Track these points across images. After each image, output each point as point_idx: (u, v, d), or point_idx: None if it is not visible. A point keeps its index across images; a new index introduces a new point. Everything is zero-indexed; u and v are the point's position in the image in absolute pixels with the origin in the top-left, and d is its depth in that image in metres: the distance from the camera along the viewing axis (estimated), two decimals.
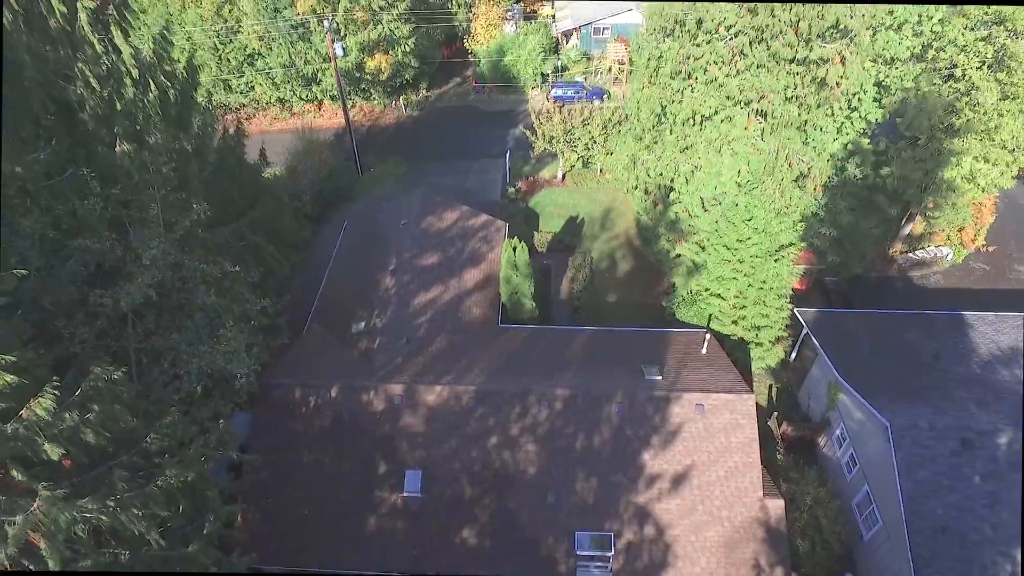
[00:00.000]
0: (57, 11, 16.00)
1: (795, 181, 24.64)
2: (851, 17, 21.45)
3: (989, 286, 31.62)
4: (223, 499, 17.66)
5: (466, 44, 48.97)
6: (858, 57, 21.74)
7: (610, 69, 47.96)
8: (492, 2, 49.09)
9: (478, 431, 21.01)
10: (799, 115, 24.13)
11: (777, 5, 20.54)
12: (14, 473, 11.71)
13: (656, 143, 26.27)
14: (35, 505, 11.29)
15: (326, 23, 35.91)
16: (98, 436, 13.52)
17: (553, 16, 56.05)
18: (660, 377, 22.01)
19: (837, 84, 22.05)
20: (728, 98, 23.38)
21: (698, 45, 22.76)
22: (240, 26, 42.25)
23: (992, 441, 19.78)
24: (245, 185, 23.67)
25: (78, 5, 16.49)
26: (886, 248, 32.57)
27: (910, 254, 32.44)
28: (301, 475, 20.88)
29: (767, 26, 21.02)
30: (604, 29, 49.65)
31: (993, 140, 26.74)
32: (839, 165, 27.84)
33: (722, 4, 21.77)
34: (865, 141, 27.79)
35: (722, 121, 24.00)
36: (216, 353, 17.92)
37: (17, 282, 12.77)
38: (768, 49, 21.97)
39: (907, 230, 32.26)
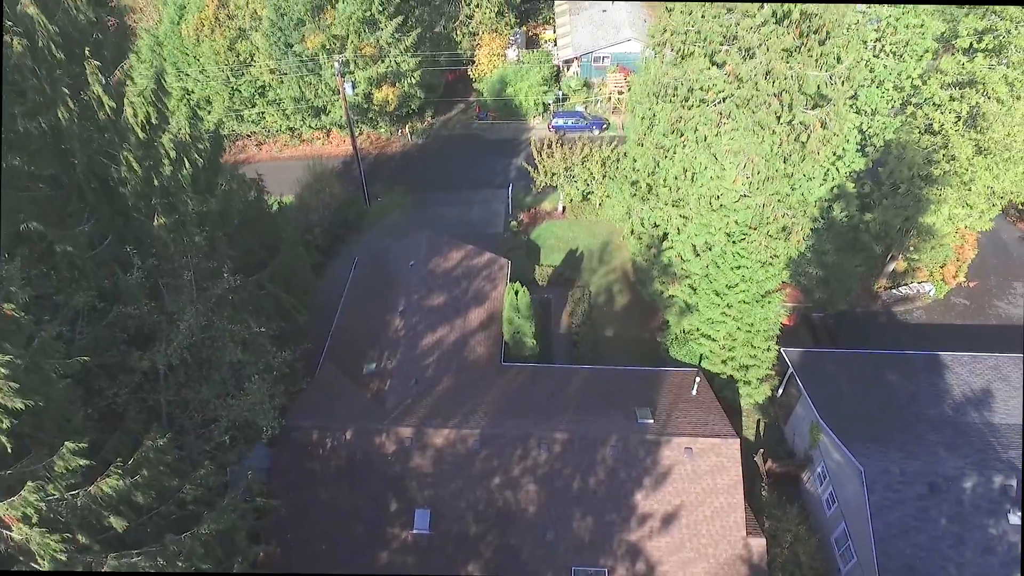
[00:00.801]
0: (106, 105, 17.52)
1: (781, 231, 26.16)
2: (830, 85, 22.97)
3: (970, 321, 33.16)
4: (249, 540, 19.32)
5: (470, 72, 50.47)
6: (837, 124, 23.27)
7: (609, 98, 49.48)
8: (495, 33, 50.59)
9: (482, 472, 22.63)
10: (785, 169, 25.70)
11: (761, 78, 22.06)
12: (80, 537, 13.34)
13: (651, 194, 27.83)
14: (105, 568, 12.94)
15: (337, 65, 37.41)
16: (146, 496, 15.18)
17: (555, 41, 57.61)
18: (652, 420, 23.61)
19: (818, 151, 23.56)
20: (716, 157, 24.92)
21: (688, 108, 24.31)
22: (253, 60, 43.84)
23: (958, 485, 21.38)
24: (266, 235, 25.23)
25: (125, 100, 18.05)
26: (871, 284, 34.12)
27: (894, 290, 33.99)
28: (317, 512, 22.52)
29: (752, 97, 22.54)
30: (604, 58, 51.14)
31: (970, 189, 28.28)
32: (825, 206, 29.47)
33: (712, 72, 23.27)
34: (850, 185, 29.40)
35: (711, 177, 25.54)
36: (243, 405, 19.56)
37: (80, 366, 14.38)
38: (754, 114, 23.50)
39: (891, 267, 33.81)
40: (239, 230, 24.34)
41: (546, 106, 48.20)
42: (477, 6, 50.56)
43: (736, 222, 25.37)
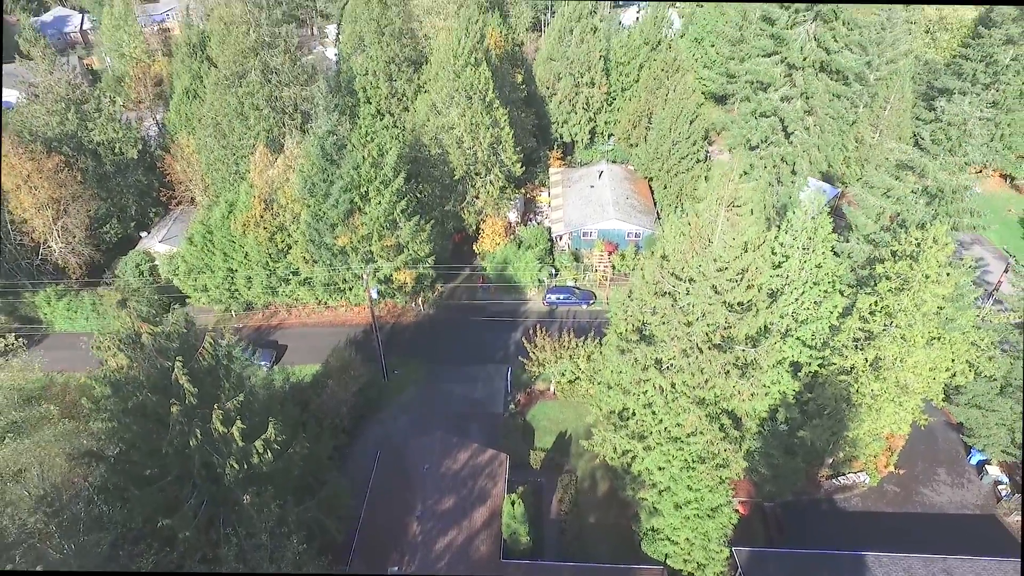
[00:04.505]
0: (221, 431, 24.12)
1: (723, 465, 32.38)
2: (756, 348, 29.81)
3: (899, 509, 38.93)
4: None
5: (475, 248, 58.12)
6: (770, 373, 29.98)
7: (596, 269, 56.91)
8: (497, 212, 58.59)
9: None
10: (728, 407, 32.22)
11: (706, 374, 28.86)
12: None
13: (624, 423, 34.29)
14: None
15: (364, 277, 44.71)
16: None
17: (549, 203, 65.86)
18: None
19: (751, 398, 30.16)
20: (673, 402, 31.47)
21: (645, 369, 31.12)
22: (289, 249, 51.44)
23: None
24: (319, 472, 31.48)
25: (228, 405, 24.66)
26: (815, 473, 40.08)
27: (834, 480, 39.91)
28: None
29: (702, 369, 29.35)
30: (590, 233, 58.94)
31: (881, 413, 34.73)
32: (770, 415, 35.92)
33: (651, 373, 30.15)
34: (791, 394, 36.02)
35: (667, 414, 32.00)
36: None
37: None
38: (703, 372, 30.21)
39: (831, 459, 39.86)
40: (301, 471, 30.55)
41: (541, 281, 55.51)
42: (483, 186, 58.68)
43: (687, 456, 31.63)
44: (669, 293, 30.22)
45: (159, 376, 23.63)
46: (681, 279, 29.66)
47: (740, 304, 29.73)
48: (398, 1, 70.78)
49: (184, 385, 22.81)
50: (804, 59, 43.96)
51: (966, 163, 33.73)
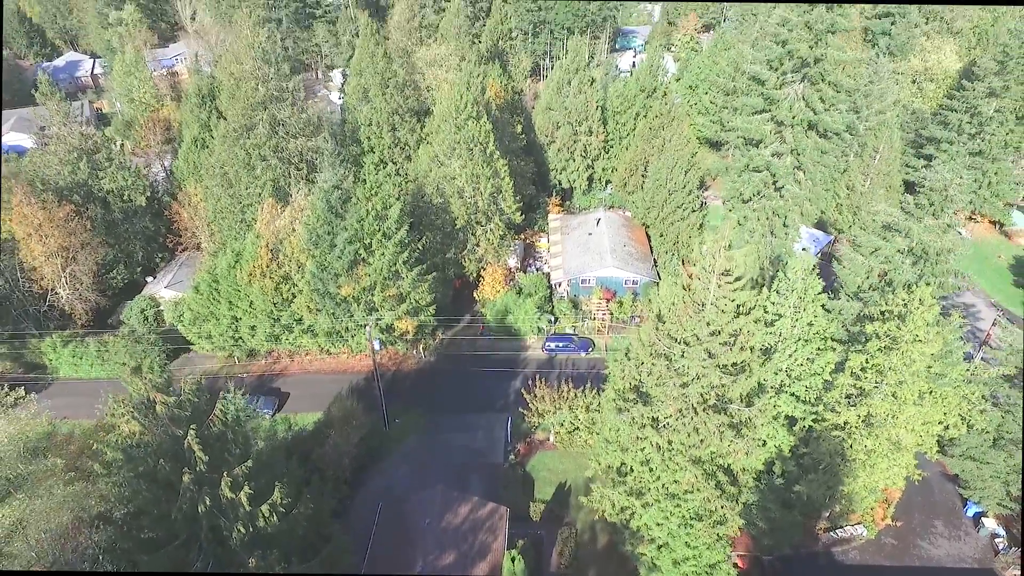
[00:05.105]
0: (228, 497, 24.79)
1: (719, 524, 32.82)
2: (751, 407, 30.54)
3: (897, 562, 39.17)
4: None
5: (475, 294, 59.14)
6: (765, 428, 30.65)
7: (594, 316, 57.83)
8: (497, 259, 59.77)
9: None
10: (724, 463, 32.80)
11: (699, 421, 29.60)
12: None
13: (622, 479, 34.83)
14: None
15: (368, 328, 45.65)
16: None
17: (548, 249, 67.11)
18: None
19: (747, 454, 30.80)
20: (670, 460, 32.08)
21: (642, 428, 31.83)
22: (294, 298, 52.42)
23: None
24: (322, 527, 31.96)
25: (237, 471, 25.36)
26: (812, 525, 40.38)
27: (832, 533, 40.20)
28: None
29: (697, 430, 30.06)
30: (588, 280, 60.04)
31: (875, 468, 35.30)
32: (766, 468, 36.45)
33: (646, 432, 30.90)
34: (786, 448, 36.58)
35: (664, 471, 32.57)
36: None
37: None
38: (698, 432, 30.90)
39: (828, 513, 40.22)
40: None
41: (540, 329, 56.38)
42: (483, 234, 59.94)
43: (685, 513, 32.13)
44: (665, 355, 31.09)
45: (171, 443, 24.35)
46: (676, 340, 30.58)
47: (734, 365, 30.59)
48: (402, 54, 73.41)
49: (197, 453, 23.53)
50: (793, 117, 45.67)
51: (948, 225, 35.00)
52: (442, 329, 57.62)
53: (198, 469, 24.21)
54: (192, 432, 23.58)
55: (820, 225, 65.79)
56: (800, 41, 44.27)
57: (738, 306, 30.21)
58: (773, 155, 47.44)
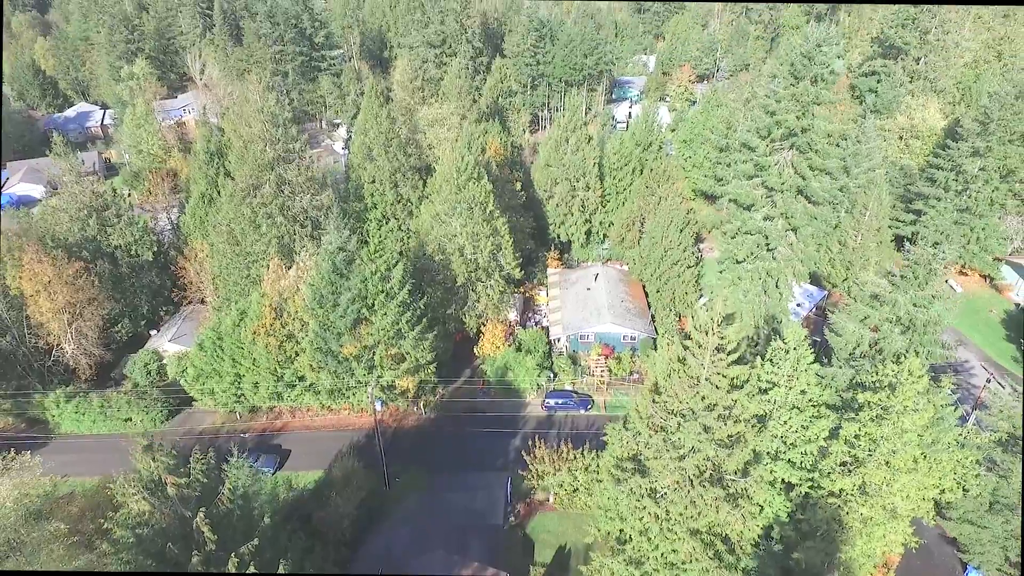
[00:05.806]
0: (233, 570, 25.32)
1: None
2: (746, 478, 31.10)
3: None
4: None
5: (476, 350, 59.94)
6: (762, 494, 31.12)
7: (592, 373, 58.53)
8: (497, 317, 60.77)
9: None
10: (722, 532, 33.18)
11: (690, 495, 30.16)
12: None
13: (622, 547, 35.18)
14: None
15: (370, 389, 46.35)
16: None
17: (547, 303, 68.15)
18: None
19: (740, 536, 31.23)
20: (668, 530, 32.49)
21: (640, 498, 32.36)
22: (297, 356, 53.19)
23: None
24: None
25: (243, 551, 25.85)
26: None
27: None
28: None
29: (694, 502, 30.59)
30: (587, 336, 60.96)
31: (871, 536, 35.65)
32: (764, 534, 36.71)
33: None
34: (784, 514, 36.94)
35: (663, 540, 32.94)
36: None
37: None
38: (695, 505, 31.40)
39: (834, 574, 40.30)
40: None
41: (540, 386, 57.02)
42: (483, 290, 61.05)
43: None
44: (661, 427, 31.81)
45: (179, 525, 24.85)
46: (672, 413, 31.35)
47: (729, 437, 31.29)
48: (404, 112, 75.86)
49: (206, 534, 24.03)
50: (783, 184, 47.32)
51: (934, 296, 36.17)
52: (443, 386, 58.21)
53: (206, 549, 24.68)
54: (201, 514, 24.15)
55: (814, 279, 67.09)
56: (788, 112, 46.25)
57: (732, 379, 31.10)
58: (765, 219, 48.94)
